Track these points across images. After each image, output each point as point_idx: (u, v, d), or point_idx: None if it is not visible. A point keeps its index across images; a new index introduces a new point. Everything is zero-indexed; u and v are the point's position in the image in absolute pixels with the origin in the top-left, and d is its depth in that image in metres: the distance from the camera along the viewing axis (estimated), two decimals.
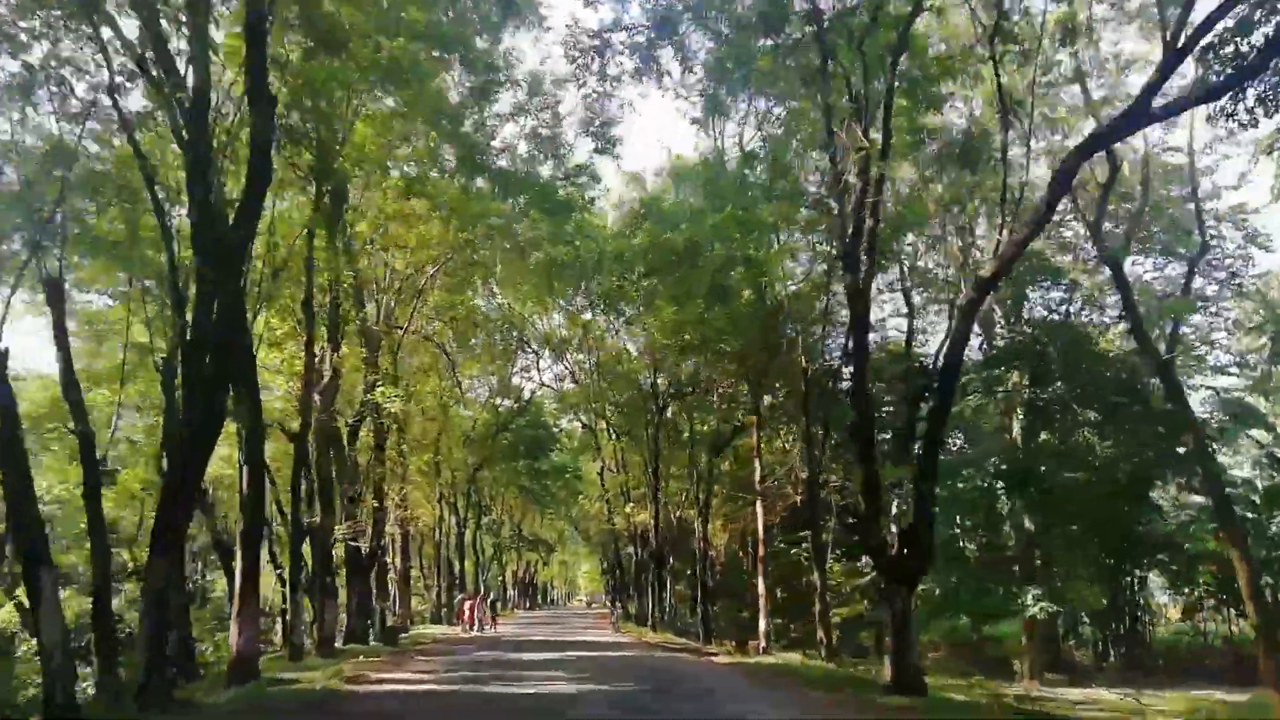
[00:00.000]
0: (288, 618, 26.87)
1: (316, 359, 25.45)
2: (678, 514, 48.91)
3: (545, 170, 30.95)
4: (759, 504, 28.34)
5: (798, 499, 26.35)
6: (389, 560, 39.74)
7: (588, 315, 49.06)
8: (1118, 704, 21.00)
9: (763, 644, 27.03)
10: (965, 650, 43.96)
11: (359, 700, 15.03)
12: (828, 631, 26.30)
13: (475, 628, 37.14)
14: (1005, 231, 15.86)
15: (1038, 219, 15.05)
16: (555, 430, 63.09)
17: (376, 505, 29.14)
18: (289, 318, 25.03)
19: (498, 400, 55.99)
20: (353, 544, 27.55)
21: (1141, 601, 40.22)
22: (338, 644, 29.72)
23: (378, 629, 32.66)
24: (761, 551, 28.54)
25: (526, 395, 57.23)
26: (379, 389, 25.80)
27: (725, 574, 50.73)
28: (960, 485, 32.41)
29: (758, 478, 28.66)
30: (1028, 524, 31.30)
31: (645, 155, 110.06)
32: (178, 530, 14.33)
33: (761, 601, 28.14)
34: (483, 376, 53.22)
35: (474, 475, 53.93)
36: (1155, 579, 40.35)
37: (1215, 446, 30.33)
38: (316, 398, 25.13)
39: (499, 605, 46.75)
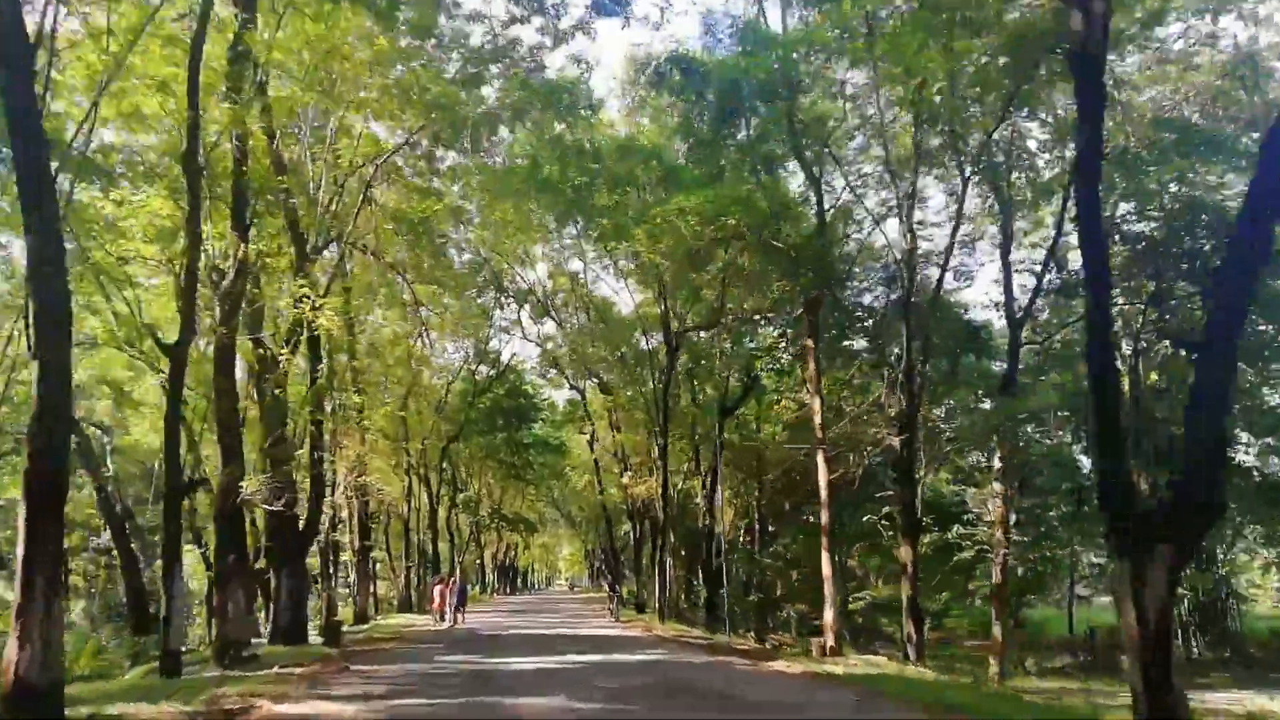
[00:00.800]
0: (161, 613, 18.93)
1: (221, 251, 17.68)
2: (678, 488, 41.54)
3: (530, 32, 23.37)
4: (820, 456, 20.69)
5: (892, 441, 18.75)
6: (340, 537, 31.86)
7: (576, 264, 41.75)
8: None
9: (830, 642, 19.41)
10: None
11: None
12: (918, 625, 18.79)
13: (447, 618, 29.25)
14: None
15: None
16: (537, 401, 55.83)
17: (315, 458, 21.28)
18: (175, 197, 17.27)
19: (473, 365, 48.26)
20: (275, 510, 19.63)
21: (1222, 574, 33.26)
22: (261, 642, 22.08)
23: (324, 623, 25.03)
24: (825, 518, 20.80)
25: (506, 358, 49.86)
26: (304, 296, 17.88)
27: (728, 554, 43.30)
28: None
29: (817, 422, 20.97)
30: (1141, 485, 24.02)
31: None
32: None
33: (827, 587, 20.42)
34: (457, 338, 45.37)
35: (447, 447, 46.12)
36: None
37: None
38: (217, 306, 17.37)
39: (469, 591, 38.85)
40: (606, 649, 19.96)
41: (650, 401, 34.80)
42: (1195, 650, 32.05)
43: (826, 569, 20.43)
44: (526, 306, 43.44)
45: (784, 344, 29.58)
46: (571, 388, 45.32)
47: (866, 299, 25.05)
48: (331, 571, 30.63)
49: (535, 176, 27.53)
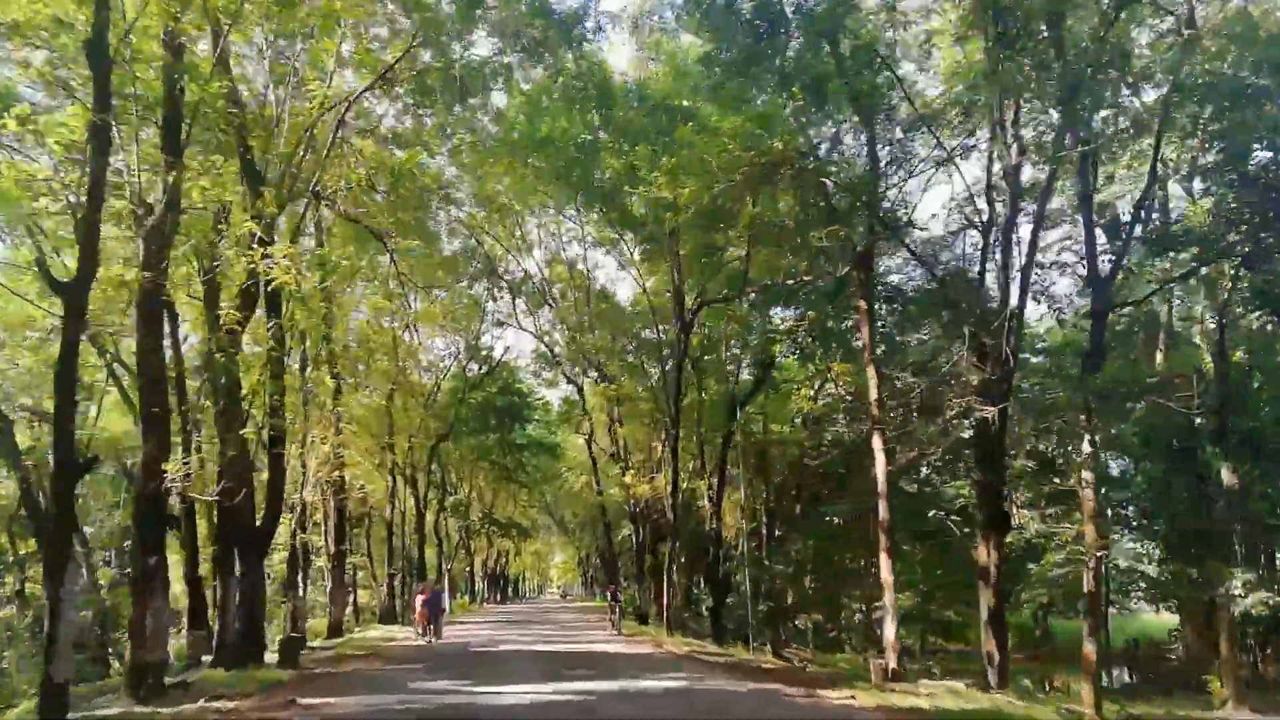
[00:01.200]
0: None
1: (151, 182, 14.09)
2: (683, 488, 37.84)
3: None
4: (877, 439, 17.08)
5: (983, 412, 15.15)
6: (308, 539, 28.10)
7: (575, 249, 38.30)
8: None
9: (893, 663, 15.76)
10: (1042, 651, 33.31)
11: None
12: (1002, 644, 15.16)
13: (427, 631, 25.16)
14: None
15: None
16: (531, 400, 52.30)
17: (271, 437, 17.51)
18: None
19: (464, 361, 44.72)
20: (223, 502, 15.91)
21: None
22: (207, 660, 18.50)
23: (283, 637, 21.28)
24: (884, 512, 17.15)
25: (499, 354, 46.36)
26: (252, 234, 14.23)
27: (736, 560, 39.59)
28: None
29: (873, 397, 17.35)
30: (1227, 477, 20.56)
31: None
32: None
33: (888, 597, 16.75)
34: (447, 333, 41.77)
35: (436, 446, 42.30)
36: None
37: None
38: (141, 247, 13.75)
39: (445, 599, 34.89)
40: (616, 672, 16.29)
41: (657, 392, 31.18)
42: (1257, 664, 28.54)
43: (886, 574, 16.74)
44: (522, 297, 40.06)
45: (805, 324, 25.93)
46: (569, 382, 41.59)
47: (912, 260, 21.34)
48: (300, 579, 26.83)
49: (533, 135, 24.05)
